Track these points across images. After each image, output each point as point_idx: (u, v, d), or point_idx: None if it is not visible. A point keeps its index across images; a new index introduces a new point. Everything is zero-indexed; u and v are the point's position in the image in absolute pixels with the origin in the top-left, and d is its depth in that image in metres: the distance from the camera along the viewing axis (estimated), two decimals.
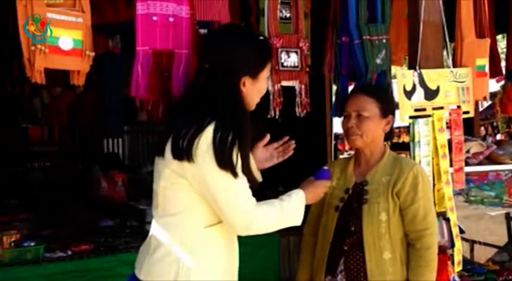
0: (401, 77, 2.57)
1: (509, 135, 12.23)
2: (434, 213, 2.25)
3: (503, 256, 4.44)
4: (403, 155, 2.77)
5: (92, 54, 2.05)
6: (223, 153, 1.75)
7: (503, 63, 4.04)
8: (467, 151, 3.01)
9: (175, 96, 2.21)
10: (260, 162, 2.21)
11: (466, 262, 3.06)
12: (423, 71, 2.60)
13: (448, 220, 2.55)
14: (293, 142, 2.27)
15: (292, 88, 2.64)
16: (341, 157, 5.95)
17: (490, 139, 10.50)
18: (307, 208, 2.14)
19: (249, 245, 2.54)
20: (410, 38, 2.68)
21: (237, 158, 1.78)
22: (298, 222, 1.99)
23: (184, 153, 1.77)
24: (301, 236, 2.42)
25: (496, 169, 3.54)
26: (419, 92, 2.59)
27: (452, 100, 2.69)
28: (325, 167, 2.27)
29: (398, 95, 2.56)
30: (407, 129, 2.71)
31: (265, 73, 1.99)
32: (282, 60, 2.58)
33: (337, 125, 5.21)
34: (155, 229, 1.92)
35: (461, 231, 2.83)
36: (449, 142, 2.68)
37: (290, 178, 2.78)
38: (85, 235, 3.65)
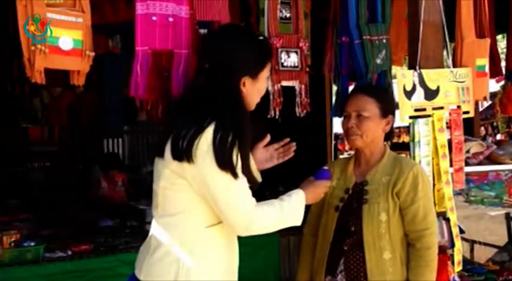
0: (401, 77, 2.57)
1: (509, 135, 12.23)
2: (434, 213, 2.25)
3: (503, 256, 4.44)
4: (403, 155, 2.77)
5: (92, 54, 2.05)
6: (223, 154, 1.75)
7: (503, 63, 4.04)
8: (467, 151, 3.01)
9: (174, 96, 2.21)
10: (260, 163, 2.20)
11: (466, 262, 3.06)
12: (423, 71, 2.60)
13: (448, 220, 2.55)
14: (294, 143, 2.27)
15: (292, 88, 2.64)
16: (341, 157, 5.95)
17: (490, 139, 10.50)
18: (307, 208, 2.14)
19: (249, 245, 2.54)
20: (410, 38, 2.68)
21: (237, 159, 1.78)
22: (298, 222, 1.99)
23: (184, 154, 1.77)
24: (301, 236, 2.42)
25: (496, 169, 3.54)
26: (419, 92, 2.59)
27: (452, 100, 2.69)
28: (325, 167, 2.27)
29: (398, 95, 2.56)
30: (407, 129, 2.71)
31: (265, 73, 1.99)
32: (282, 60, 2.58)
33: (337, 125, 5.21)
34: (155, 229, 1.92)
35: (461, 231, 2.83)
36: (449, 142, 2.68)
37: (290, 178, 2.78)
38: (85, 235, 3.65)
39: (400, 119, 2.57)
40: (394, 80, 2.80)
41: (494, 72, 3.61)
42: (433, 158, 2.58)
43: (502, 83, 4.00)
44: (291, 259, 3.86)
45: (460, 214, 2.88)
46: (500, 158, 3.17)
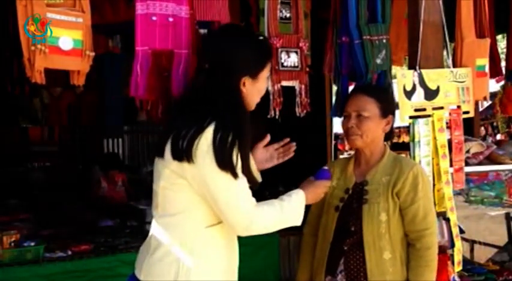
0: (401, 77, 2.57)
1: (509, 135, 12.24)
2: (434, 213, 2.25)
3: (503, 256, 4.44)
4: (403, 155, 2.77)
5: (92, 54, 2.05)
6: (223, 154, 1.75)
7: (503, 63, 4.04)
8: (467, 151, 3.01)
9: (174, 96, 2.21)
10: (260, 163, 2.20)
11: (466, 262, 3.06)
12: (423, 71, 2.60)
13: (448, 220, 2.55)
14: (294, 143, 2.27)
15: (292, 88, 2.64)
16: (341, 157, 5.95)
17: (490, 139, 10.50)
18: (307, 208, 2.14)
19: (249, 245, 2.54)
20: (410, 38, 2.68)
21: (237, 159, 1.78)
22: (298, 222, 1.99)
23: (184, 154, 1.77)
24: (301, 236, 2.42)
25: (496, 169, 3.54)
26: (419, 92, 2.59)
27: (452, 100, 2.69)
28: (325, 167, 2.27)
29: (398, 95, 2.56)
30: (407, 129, 2.71)
31: (265, 73, 1.98)
32: (282, 60, 2.58)
33: (337, 125, 5.21)
34: (155, 229, 1.92)
35: (461, 231, 2.83)
36: (449, 142, 2.68)
37: (290, 178, 2.78)
38: (85, 235, 3.65)
39: (400, 119, 2.57)
40: (394, 80, 2.80)
41: (494, 72, 3.61)
42: (433, 158, 2.58)
43: (502, 83, 4.00)
44: (291, 259, 3.86)
45: (460, 214, 2.88)
46: (500, 158, 3.17)
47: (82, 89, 5.49)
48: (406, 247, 2.17)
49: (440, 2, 2.68)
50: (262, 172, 2.21)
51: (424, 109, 2.59)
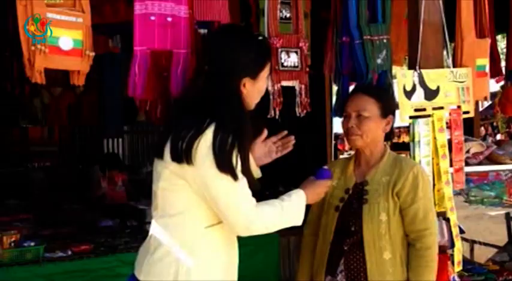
0: (402, 77, 2.57)
1: (509, 135, 12.25)
2: (435, 213, 2.24)
3: (503, 256, 4.43)
4: (403, 155, 2.77)
5: (92, 54, 2.04)
6: (223, 156, 1.74)
7: (503, 63, 4.04)
8: (467, 151, 3.01)
9: (173, 96, 2.20)
10: (259, 158, 2.18)
11: (466, 262, 3.06)
12: (423, 71, 2.60)
13: (448, 220, 2.55)
14: (292, 136, 2.25)
15: (292, 88, 2.64)
16: (341, 157, 5.95)
17: (490, 139, 10.50)
18: (308, 208, 2.14)
19: (249, 245, 2.54)
20: (410, 38, 2.68)
21: (236, 161, 1.78)
22: (299, 222, 1.98)
23: (183, 155, 1.76)
24: (301, 236, 2.42)
25: (496, 169, 3.54)
26: (419, 92, 2.59)
27: (452, 100, 2.69)
28: (326, 167, 2.26)
29: (398, 95, 2.56)
30: (407, 129, 2.71)
31: (265, 73, 1.98)
32: (282, 60, 2.58)
33: (337, 125, 5.21)
34: (155, 229, 1.91)
35: (461, 231, 2.83)
36: (449, 141, 2.68)
37: (290, 178, 2.78)
38: (85, 235, 3.65)
39: (400, 119, 2.56)
40: (394, 80, 2.80)
41: (495, 72, 3.61)
42: (433, 158, 2.58)
43: (502, 83, 4.00)
44: (291, 259, 3.86)
45: (460, 214, 2.88)
46: (500, 158, 3.17)
47: (82, 89, 5.50)
48: (406, 247, 2.17)
49: (440, 2, 2.68)
50: (262, 173, 2.20)
51: (424, 109, 2.59)
